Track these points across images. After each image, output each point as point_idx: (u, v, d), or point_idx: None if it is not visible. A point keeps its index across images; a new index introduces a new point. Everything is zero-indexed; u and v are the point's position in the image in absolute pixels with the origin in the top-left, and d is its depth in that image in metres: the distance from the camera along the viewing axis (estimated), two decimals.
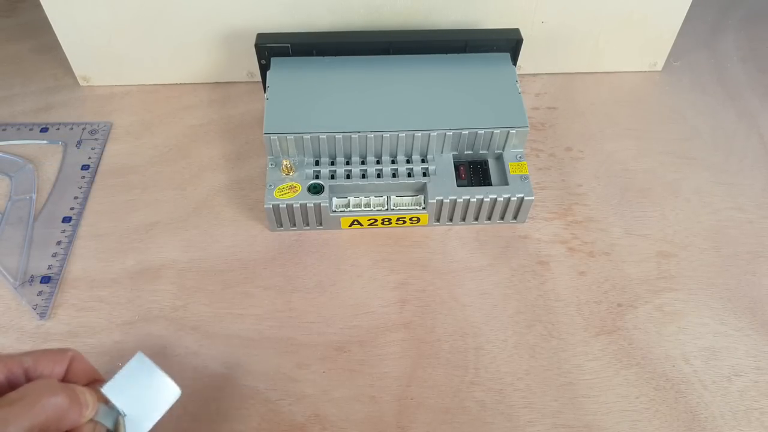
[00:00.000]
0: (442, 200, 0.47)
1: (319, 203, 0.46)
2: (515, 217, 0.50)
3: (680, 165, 0.55)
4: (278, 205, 0.46)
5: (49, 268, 0.47)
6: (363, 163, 0.48)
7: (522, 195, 0.47)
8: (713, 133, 0.58)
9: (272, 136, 0.47)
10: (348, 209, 0.48)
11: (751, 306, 0.46)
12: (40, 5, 0.55)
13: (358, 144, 0.48)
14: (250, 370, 0.42)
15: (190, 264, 0.48)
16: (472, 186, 0.48)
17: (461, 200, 0.47)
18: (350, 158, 0.49)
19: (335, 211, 0.48)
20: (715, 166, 0.55)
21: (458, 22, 0.57)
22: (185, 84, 0.62)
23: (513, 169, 0.49)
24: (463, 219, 0.49)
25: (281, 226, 0.48)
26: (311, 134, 0.47)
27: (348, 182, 0.47)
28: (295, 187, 0.47)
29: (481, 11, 0.57)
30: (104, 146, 0.55)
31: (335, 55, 0.52)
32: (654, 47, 0.62)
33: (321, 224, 0.48)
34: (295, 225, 0.48)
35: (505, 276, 0.47)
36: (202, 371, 0.42)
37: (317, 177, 0.47)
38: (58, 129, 0.57)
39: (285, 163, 0.47)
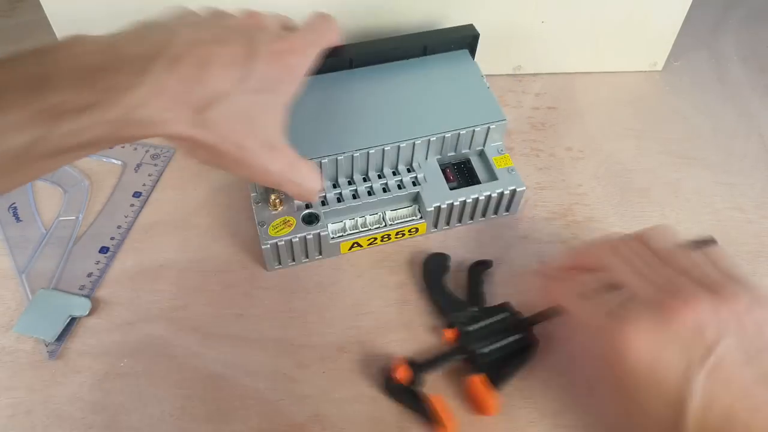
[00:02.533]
0: (439, 206, 0.46)
1: (318, 232, 0.44)
2: (508, 210, 0.50)
3: (680, 165, 0.55)
4: (276, 243, 0.44)
5: None
6: (350, 183, 0.47)
7: (514, 187, 0.47)
8: (713, 133, 0.58)
9: None
10: (346, 233, 0.46)
11: None
12: (40, 5, 0.55)
13: (345, 165, 0.46)
14: (250, 370, 0.42)
15: (190, 264, 0.48)
16: (462, 187, 0.48)
17: (458, 203, 0.47)
18: (336, 180, 0.47)
19: (334, 237, 0.46)
20: (715, 166, 0.55)
21: (458, 22, 0.57)
22: None
23: (498, 163, 0.49)
24: (460, 220, 0.49)
25: (279, 264, 0.46)
26: None
27: (341, 206, 0.45)
28: (288, 221, 0.44)
29: (481, 11, 0.57)
30: (161, 174, 0.54)
31: None
32: (654, 47, 0.62)
33: (321, 254, 0.47)
34: (293, 260, 0.46)
35: (505, 276, 0.47)
36: (202, 371, 0.42)
37: (308, 206, 0.45)
38: (123, 147, 0.55)
39: (273, 197, 0.44)
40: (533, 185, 0.53)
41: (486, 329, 0.42)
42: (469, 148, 0.49)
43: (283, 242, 0.44)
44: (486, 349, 0.41)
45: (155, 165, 0.54)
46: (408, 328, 0.44)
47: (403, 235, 0.47)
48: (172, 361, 0.42)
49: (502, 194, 0.48)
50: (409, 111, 0.48)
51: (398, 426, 0.40)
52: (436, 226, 0.49)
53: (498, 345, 0.41)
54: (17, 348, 0.43)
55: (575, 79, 0.63)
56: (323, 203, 0.45)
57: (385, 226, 0.47)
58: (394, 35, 0.51)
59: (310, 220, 0.45)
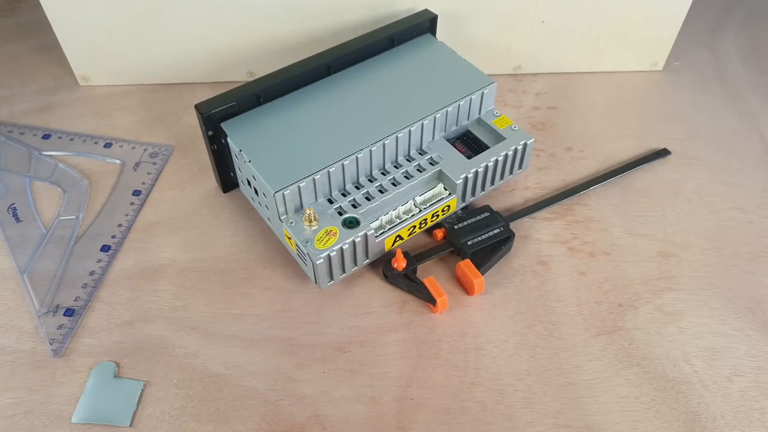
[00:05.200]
0: (465, 176, 0.47)
1: (365, 233, 0.43)
2: (520, 166, 0.51)
3: (681, 165, 0.55)
4: (329, 254, 0.42)
5: (76, 299, 0.45)
6: (371, 181, 0.47)
7: (524, 141, 0.49)
8: (714, 133, 0.58)
9: (285, 191, 0.43)
10: (386, 229, 0.46)
11: (751, 306, 0.46)
12: (39, 5, 0.55)
13: (364, 162, 0.46)
14: (250, 370, 0.42)
15: (190, 264, 0.48)
16: (476, 155, 0.48)
17: (480, 169, 0.48)
18: (357, 181, 0.47)
19: (377, 235, 0.45)
20: (715, 166, 0.55)
21: (460, 21, 0.57)
22: (185, 84, 0.62)
23: (499, 124, 0.50)
24: (483, 188, 0.50)
25: (331, 279, 0.45)
26: (321, 171, 0.44)
27: (372, 203, 0.45)
28: (331, 230, 0.43)
29: (480, 11, 0.57)
30: (160, 172, 0.54)
31: (281, 95, 0.49)
32: (654, 47, 0.62)
33: (368, 256, 0.46)
34: (344, 271, 0.45)
35: (506, 276, 0.47)
36: (202, 371, 0.42)
37: (340, 213, 0.45)
38: (121, 146, 0.56)
39: (308, 213, 0.43)
40: (533, 185, 0.53)
41: (470, 226, 0.48)
42: (468, 119, 0.51)
43: (334, 252, 0.42)
44: (471, 241, 0.47)
45: (154, 163, 0.54)
46: (408, 328, 0.44)
47: (438, 216, 0.48)
48: (172, 361, 0.42)
49: (515, 150, 0.49)
50: (404, 99, 0.49)
51: (398, 426, 0.40)
52: (464, 198, 0.49)
53: (481, 237, 0.47)
54: (17, 348, 0.43)
55: (575, 79, 0.63)
56: (354, 206, 0.45)
57: (420, 211, 0.47)
58: (360, 33, 0.53)
59: (352, 223, 0.44)
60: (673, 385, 0.41)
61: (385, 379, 0.42)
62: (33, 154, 0.55)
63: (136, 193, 0.52)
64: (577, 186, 0.53)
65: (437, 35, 0.55)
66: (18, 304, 0.45)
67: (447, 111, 0.48)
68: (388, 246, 0.46)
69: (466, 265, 0.45)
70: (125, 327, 0.44)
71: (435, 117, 0.48)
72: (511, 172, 0.51)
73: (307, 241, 0.43)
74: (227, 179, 0.51)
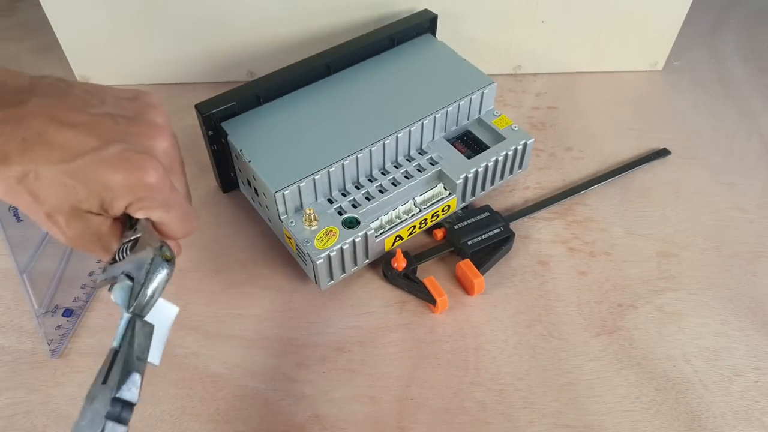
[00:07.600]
0: (465, 176, 0.47)
1: (365, 233, 0.43)
2: (520, 166, 0.51)
3: (681, 165, 0.55)
4: (329, 254, 0.42)
5: (75, 300, 0.45)
6: (371, 181, 0.47)
7: (524, 141, 0.49)
8: (714, 133, 0.58)
9: (285, 191, 0.43)
10: (386, 229, 0.46)
11: (751, 306, 0.46)
12: (39, 5, 0.55)
13: (364, 162, 0.46)
14: (250, 370, 0.42)
15: (190, 264, 0.48)
16: (476, 155, 0.48)
17: (480, 169, 0.47)
18: (357, 181, 0.47)
19: (377, 235, 0.45)
20: (715, 166, 0.55)
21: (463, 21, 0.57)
22: (185, 84, 0.62)
23: (499, 124, 0.50)
24: (483, 188, 0.50)
25: (331, 279, 0.45)
26: (321, 171, 0.44)
27: (372, 203, 0.45)
28: (331, 230, 0.43)
29: (480, 11, 0.57)
30: None
31: (281, 95, 0.49)
32: (655, 47, 0.62)
33: (368, 256, 0.46)
34: (344, 270, 0.45)
35: (506, 276, 0.47)
36: (202, 371, 0.42)
37: (340, 213, 0.45)
38: None
39: (308, 212, 0.43)
40: (533, 185, 0.53)
41: (470, 226, 0.48)
42: (468, 119, 0.51)
43: (334, 252, 0.42)
44: (471, 241, 0.47)
45: None
46: (408, 328, 0.44)
47: (438, 216, 0.48)
48: (172, 361, 0.42)
49: (515, 150, 0.49)
50: (404, 99, 0.49)
51: (398, 426, 0.40)
52: (464, 198, 0.49)
53: (481, 237, 0.47)
54: (17, 348, 0.43)
55: (575, 79, 0.63)
56: (354, 206, 0.45)
57: (420, 211, 0.47)
58: (359, 33, 0.53)
59: (352, 223, 0.44)
60: (673, 385, 0.41)
61: (385, 379, 0.42)
62: None
63: None
64: (577, 186, 0.53)
65: (437, 35, 0.55)
66: (18, 304, 0.45)
67: (447, 111, 0.48)
68: (388, 246, 0.46)
69: (466, 265, 0.45)
70: None
71: (435, 117, 0.48)
72: (511, 172, 0.51)
73: (307, 241, 0.43)
74: (227, 179, 0.51)
